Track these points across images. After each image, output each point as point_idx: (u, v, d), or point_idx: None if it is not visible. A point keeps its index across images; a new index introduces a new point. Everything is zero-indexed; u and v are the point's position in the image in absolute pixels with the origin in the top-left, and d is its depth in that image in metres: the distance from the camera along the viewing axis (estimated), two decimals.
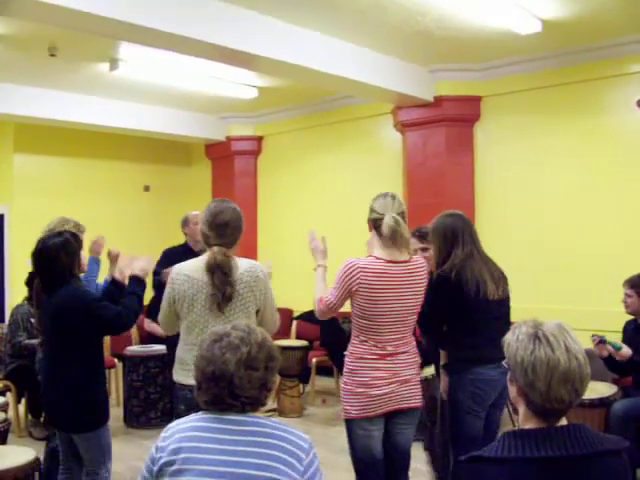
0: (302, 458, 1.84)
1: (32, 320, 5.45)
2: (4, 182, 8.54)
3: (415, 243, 3.94)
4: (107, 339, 6.81)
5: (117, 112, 8.15)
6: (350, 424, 3.19)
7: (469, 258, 3.47)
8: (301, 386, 6.90)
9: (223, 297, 3.08)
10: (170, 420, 2.10)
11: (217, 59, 5.67)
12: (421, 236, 3.95)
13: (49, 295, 3.40)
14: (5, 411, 4.69)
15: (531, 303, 5.93)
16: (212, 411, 1.93)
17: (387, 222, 3.09)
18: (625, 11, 5.36)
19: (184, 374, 3.17)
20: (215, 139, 9.38)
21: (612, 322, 5.14)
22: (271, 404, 6.77)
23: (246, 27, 5.29)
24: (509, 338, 1.76)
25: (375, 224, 3.17)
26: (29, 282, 4.30)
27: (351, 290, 3.09)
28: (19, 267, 7.94)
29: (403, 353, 3.18)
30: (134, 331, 7.66)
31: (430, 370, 4.45)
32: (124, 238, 9.14)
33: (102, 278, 4.32)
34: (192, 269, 3.18)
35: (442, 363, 3.70)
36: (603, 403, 4.46)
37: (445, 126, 7.04)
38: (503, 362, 1.80)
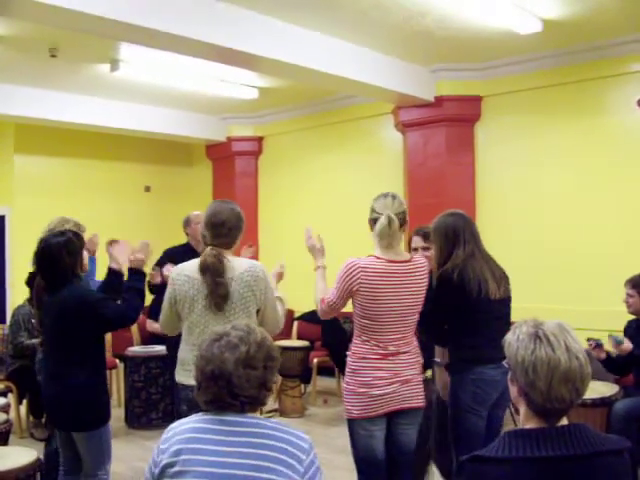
0: (302, 459, 1.84)
1: (33, 321, 5.46)
2: (5, 183, 8.54)
3: (418, 242, 3.94)
4: (108, 340, 6.81)
5: (118, 113, 8.15)
6: (352, 424, 3.19)
7: (470, 258, 3.46)
8: (302, 386, 6.90)
9: (217, 297, 3.09)
10: (171, 421, 2.10)
11: (217, 60, 5.67)
12: (424, 235, 3.95)
13: (51, 295, 3.40)
14: (7, 412, 4.69)
15: (532, 303, 5.93)
16: (212, 412, 1.93)
17: (380, 220, 3.10)
18: (625, 11, 5.36)
19: (186, 374, 3.17)
20: (216, 140, 9.39)
21: (613, 322, 5.14)
22: (272, 404, 6.77)
23: (247, 27, 5.30)
24: (510, 338, 1.76)
25: (374, 223, 3.18)
26: (29, 282, 4.31)
27: (352, 290, 3.09)
28: (20, 268, 7.94)
29: (405, 353, 3.18)
30: (135, 332, 7.66)
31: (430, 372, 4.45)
32: (125, 238, 9.15)
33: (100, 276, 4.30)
34: (192, 269, 3.18)
35: (439, 360, 3.71)
36: (604, 403, 4.46)
37: (446, 126, 7.04)
38: (504, 362, 1.80)
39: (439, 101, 7.00)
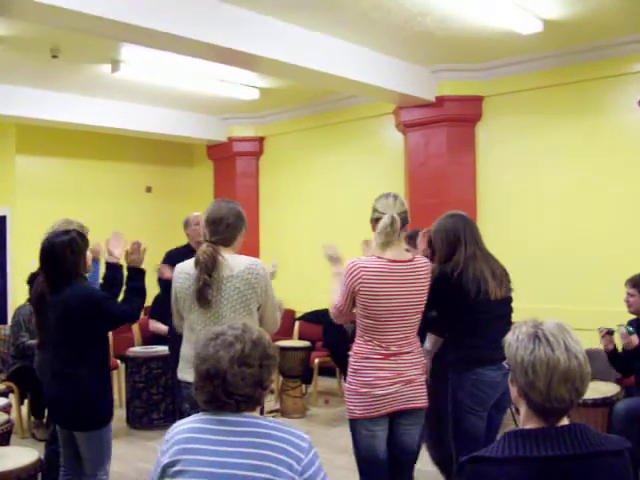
0: (301, 458, 1.83)
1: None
2: (6, 183, 8.55)
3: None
4: (110, 340, 6.81)
5: (119, 113, 8.16)
6: (354, 424, 3.19)
7: (471, 259, 3.47)
8: (304, 386, 6.90)
9: (196, 291, 3.11)
10: (173, 421, 2.11)
11: (218, 60, 5.68)
12: (409, 237, 3.96)
13: (54, 294, 3.41)
14: (8, 412, 4.70)
15: (533, 303, 5.92)
16: (210, 411, 1.94)
17: (383, 220, 3.11)
18: (626, 11, 5.36)
19: (188, 372, 3.18)
20: (217, 140, 9.39)
21: (614, 322, 5.13)
22: (274, 405, 6.78)
23: (247, 28, 5.30)
24: (509, 338, 1.76)
25: (377, 223, 3.18)
26: (30, 282, 4.32)
27: (354, 290, 3.10)
28: (21, 268, 7.96)
29: (407, 353, 3.18)
30: (136, 332, 7.67)
31: None
32: (126, 239, 9.17)
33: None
34: (191, 267, 3.20)
35: (429, 348, 3.78)
36: (606, 403, 4.46)
37: (447, 126, 7.04)
38: (504, 363, 1.80)
39: (440, 101, 7.00)
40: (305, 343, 7.00)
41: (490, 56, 6.59)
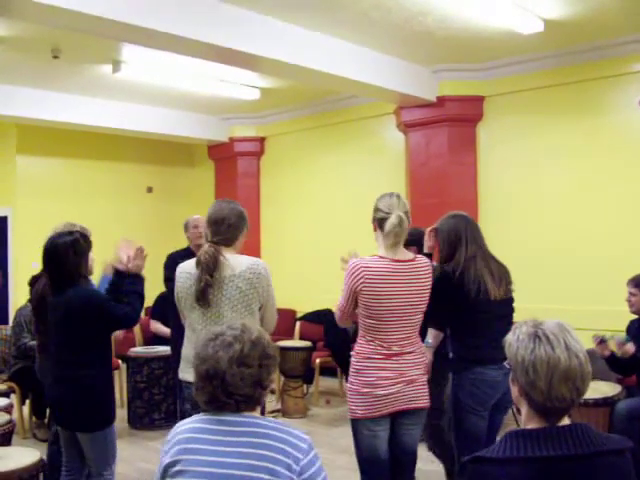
0: (299, 458, 1.83)
1: None
2: (7, 184, 8.55)
3: None
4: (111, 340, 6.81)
5: (120, 114, 8.17)
6: (356, 424, 3.19)
7: (472, 259, 3.48)
8: (305, 387, 6.90)
9: (196, 291, 3.11)
10: (174, 421, 2.12)
11: (218, 60, 5.68)
12: None
13: (57, 295, 3.41)
14: (9, 413, 4.70)
15: (534, 303, 5.92)
16: (210, 411, 1.94)
17: (391, 220, 3.10)
18: (627, 11, 5.36)
19: (190, 372, 3.18)
20: (218, 140, 9.39)
21: (615, 321, 5.14)
22: (275, 405, 6.78)
23: (247, 28, 5.30)
24: (510, 338, 1.77)
25: (381, 223, 3.17)
26: (31, 284, 4.31)
27: (356, 290, 3.10)
28: (23, 268, 7.97)
29: (409, 353, 3.17)
30: (138, 332, 7.67)
31: None
32: (126, 239, 9.17)
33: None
34: (193, 267, 3.21)
35: (430, 342, 3.79)
36: (607, 403, 4.46)
37: (448, 126, 7.04)
38: (505, 363, 1.80)
39: (441, 101, 7.00)
40: (306, 343, 7.00)
41: (491, 56, 6.59)
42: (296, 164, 8.99)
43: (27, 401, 6.02)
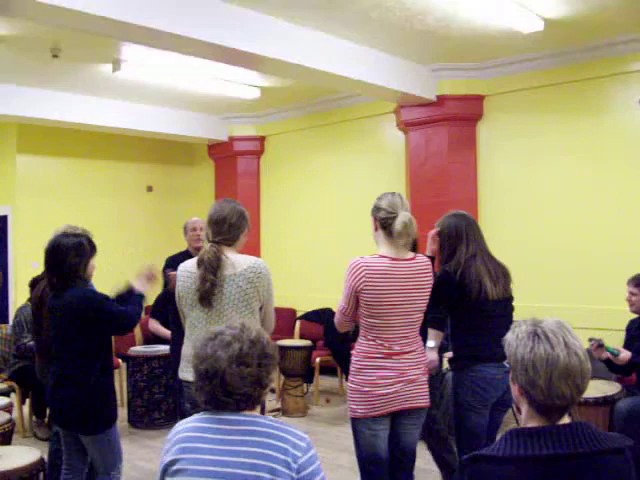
0: (297, 456, 1.84)
1: None
2: (7, 183, 8.55)
3: None
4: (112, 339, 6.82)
5: (120, 113, 8.17)
6: (356, 423, 3.19)
7: (472, 259, 3.50)
8: (305, 386, 6.91)
9: (202, 291, 3.11)
10: (174, 420, 2.12)
11: (219, 59, 5.67)
12: None
13: (55, 297, 3.41)
14: (10, 412, 4.70)
15: (535, 302, 5.94)
16: (210, 411, 1.95)
17: (400, 219, 3.10)
18: (627, 10, 5.35)
19: (189, 371, 3.18)
20: (218, 139, 9.39)
21: (615, 320, 5.14)
22: (275, 404, 6.79)
23: (248, 27, 5.30)
24: (509, 337, 1.77)
25: (385, 222, 3.17)
26: (32, 285, 4.31)
27: (357, 289, 3.09)
28: (23, 267, 7.98)
29: (410, 352, 3.17)
30: (138, 331, 7.68)
31: None
32: (127, 238, 9.19)
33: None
34: (194, 265, 3.21)
35: (433, 344, 3.79)
36: (607, 401, 4.47)
37: (448, 125, 7.04)
38: (504, 362, 1.81)
39: (441, 100, 7.00)
40: (306, 342, 7.00)
41: (491, 55, 6.58)
42: (296, 163, 8.98)
43: (27, 400, 6.03)
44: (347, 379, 3.37)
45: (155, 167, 9.89)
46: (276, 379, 6.79)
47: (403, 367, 3.14)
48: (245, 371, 1.90)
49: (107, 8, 4.41)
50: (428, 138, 7.14)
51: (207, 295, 3.11)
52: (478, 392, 3.44)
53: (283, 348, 6.53)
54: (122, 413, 6.22)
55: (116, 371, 6.73)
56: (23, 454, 3.62)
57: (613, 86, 6.21)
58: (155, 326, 6.54)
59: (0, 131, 8.53)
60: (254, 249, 8.82)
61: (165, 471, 1.90)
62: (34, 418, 6.00)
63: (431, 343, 3.80)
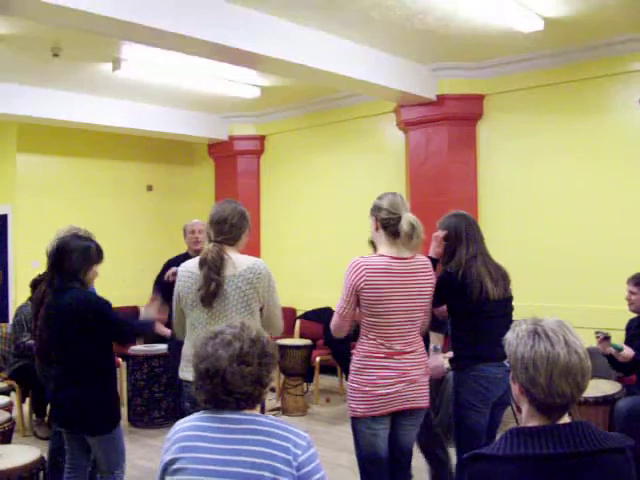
0: (297, 454, 1.85)
1: None
2: (7, 182, 8.56)
3: None
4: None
5: (120, 112, 8.16)
6: (356, 422, 3.19)
7: (473, 259, 3.51)
8: (305, 385, 6.91)
9: (205, 292, 3.10)
10: (174, 419, 2.12)
11: (222, 59, 5.67)
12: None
13: (55, 296, 3.40)
14: (9, 411, 4.70)
15: (534, 301, 5.94)
16: (210, 410, 1.95)
17: (410, 220, 3.11)
18: (627, 9, 5.35)
19: (189, 371, 3.18)
20: (218, 138, 9.39)
21: (615, 320, 5.14)
22: (275, 403, 6.79)
23: (249, 27, 5.30)
24: (509, 336, 1.77)
25: (387, 223, 3.17)
26: (33, 286, 4.30)
27: (357, 288, 3.09)
28: (23, 266, 7.98)
29: (411, 352, 3.17)
30: None
31: None
32: (127, 237, 9.19)
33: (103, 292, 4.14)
34: (195, 266, 3.21)
35: (439, 347, 3.80)
36: (607, 401, 4.47)
37: (448, 124, 7.04)
38: (505, 361, 1.81)
39: (441, 100, 6.99)
40: (306, 341, 7.01)
41: (491, 54, 6.58)
42: (296, 162, 8.98)
43: (27, 399, 6.03)
44: (347, 378, 3.37)
45: (155, 166, 9.89)
46: (276, 378, 6.79)
47: (404, 367, 3.14)
48: (246, 370, 1.90)
49: (110, 8, 4.41)
50: (428, 138, 7.14)
51: (212, 296, 3.11)
52: (480, 391, 3.45)
53: (283, 347, 6.53)
54: (122, 412, 6.22)
55: (116, 370, 6.77)
56: (23, 453, 3.62)
57: (613, 86, 6.21)
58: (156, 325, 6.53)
59: (0, 130, 8.54)
60: (254, 248, 8.81)
61: (165, 470, 1.90)
62: (34, 417, 6.00)
63: (436, 346, 3.81)
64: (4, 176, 8.60)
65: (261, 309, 3.24)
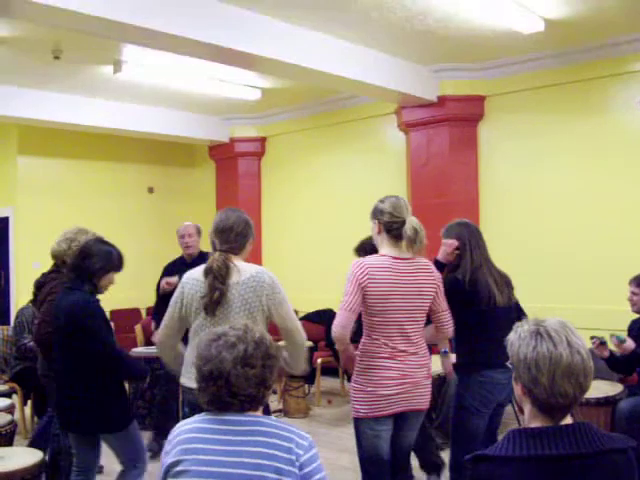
0: (300, 454, 1.85)
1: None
2: (9, 184, 8.57)
3: None
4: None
5: (121, 114, 8.17)
6: (358, 423, 3.19)
7: (479, 268, 3.52)
8: (306, 387, 6.91)
9: (210, 300, 3.10)
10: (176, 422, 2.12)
11: (216, 60, 5.67)
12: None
13: (61, 299, 3.39)
14: (11, 413, 4.70)
15: (536, 302, 5.92)
16: (213, 412, 1.95)
17: (413, 225, 3.13)
18: (627, 10, 5.35)
19: (189, 377, 3.18)
20: (219, 140, 9.39)
21: (617, 321, 5.13)
22: (277, 405, 6.78)
23: (249, 28, 5.30)
24: (512, 337, 1.77)
25: (390, 226, 3.17)
26: (36, 287, 4.30)
27: (362, 286, 3.09)
28: (24, 268, 7.98)
29: (414, 354, 3.17)
30: (139, 332, 7.67)
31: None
32: (128, 240, 9.18)
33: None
34: (201, 273, 3.20)
35: (447, 350, 3.85)
36: (609, 402, 4.46)
37: (449, 126, 7.04)
38: (507, 363, 1.81)
39: (442, 101, 7.00)
40: (308, 343, 6.99)
41: (492, 55, 6.59)
42: (297, 164, 8.98)
43: (29, 402, 6.03)
44: (349, 380, 3.37)
45: (156, 168, 9.90)
46: (277, 380, 6.78)
47: (407, 369, 3.14)
48: (250, 372, 1.90)
49: (102, 8, 4.41)
50: (429, 139, 7.14)
51: (215, 304, 3.11)
52: (486, 396, 3.47)
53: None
54: None
55: None
56: (25, 455, 3.63)
57: (614, 86, 6.21)
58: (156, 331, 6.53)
59: (1, 132, 8.55)
60: (255, 250, 8.79)
61: (167, 472, 1.90)
62: (36, 419, 5.99)
63: (446, 349, 3.83)
64: (5, 178, 8.61)
65: (266, 318, 3.23)
